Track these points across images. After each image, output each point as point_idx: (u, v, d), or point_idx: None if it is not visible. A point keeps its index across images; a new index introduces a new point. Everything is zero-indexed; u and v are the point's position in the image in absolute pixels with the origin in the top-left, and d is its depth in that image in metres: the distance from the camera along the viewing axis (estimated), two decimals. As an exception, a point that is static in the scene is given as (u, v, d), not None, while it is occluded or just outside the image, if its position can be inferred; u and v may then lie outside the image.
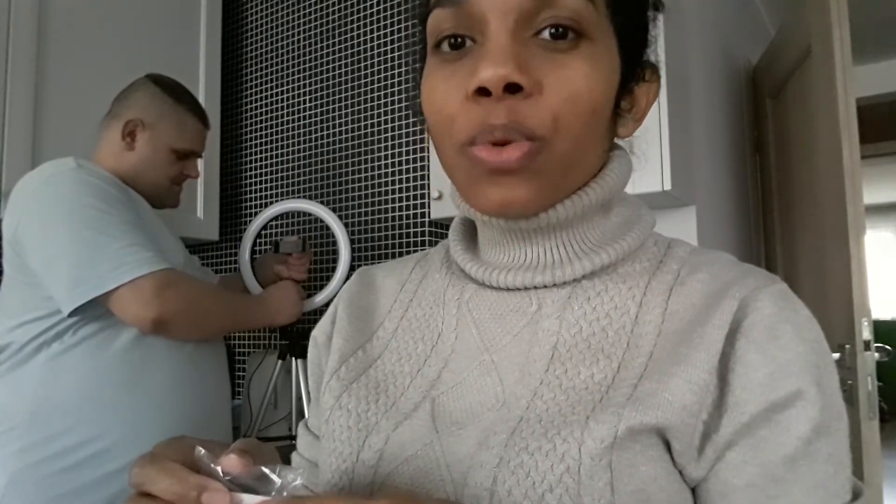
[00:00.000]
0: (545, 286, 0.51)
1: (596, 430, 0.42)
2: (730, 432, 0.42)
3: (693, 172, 1.44)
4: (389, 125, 1.78)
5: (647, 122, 1.25)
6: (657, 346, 0.46)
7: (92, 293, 1.09)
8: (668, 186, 1.17)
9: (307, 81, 1.98)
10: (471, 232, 0.59)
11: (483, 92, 0.43)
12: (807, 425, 0.42)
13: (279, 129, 2.03)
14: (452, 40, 0.46)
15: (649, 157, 1.19)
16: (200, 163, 1.89)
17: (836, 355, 1.62)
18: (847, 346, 1.60)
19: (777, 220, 2.28)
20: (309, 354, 0.65)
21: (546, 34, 0.44)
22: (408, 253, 1.71)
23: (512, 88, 0.42)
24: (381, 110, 1.80)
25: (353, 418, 0.51)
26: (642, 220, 0.54)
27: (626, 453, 0.41)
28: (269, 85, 2.07)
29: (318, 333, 0.64)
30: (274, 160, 2.03)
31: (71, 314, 1.11)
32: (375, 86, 1.82)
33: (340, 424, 0.52)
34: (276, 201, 1.68)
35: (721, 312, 0.45)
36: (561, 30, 0.44)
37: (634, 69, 0.51)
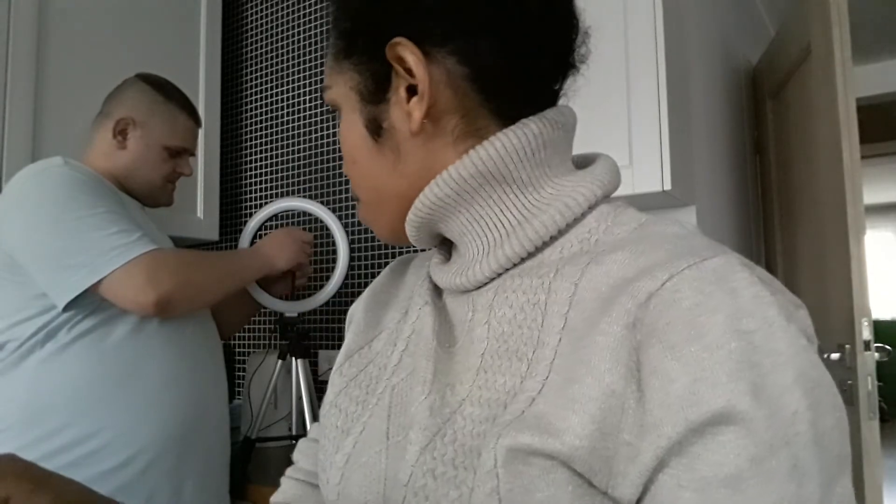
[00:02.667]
0: (468, 290, 0.50)
1: (484, 454, 0.39)
2: (652, 455, 0.36)
3: (693, 172, 1.44)
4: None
5: (647, 122, 1.25)
6: (561, 344, 0.41)
7: (85, 283, 1.09)
8: (667, 186, 1.17)
9: (307, 81, 1.98)
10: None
11: None
12: (751, 445, 0.34)
13: (279, 128, 2.03)
14: None
15: (648, 157, 1.20)
16: (200, 162, 1.90)
17: (836, 355, 1.63)
18: (847, 346, 1.60)
19: (777, 220, 2.28)
20: (346, 329, 0.66)
21: None
22: (405, 252, 1.71)
23: None
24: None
25: (341, 419, 0.53)
26: (563, 201, 0.47)
27: (516, 479, 0.37)
28: (268, 85, 2.07)
29: (355, 309, 0.65)
30: (274, 160, 2.03)
31: (66, 308, 1.10)
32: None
33: (331, 423, 0.54)
34: (276, 201, 1.68)
35: (617, 314, 0.39)
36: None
37: (382, 70, 0.49)
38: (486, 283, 0.49)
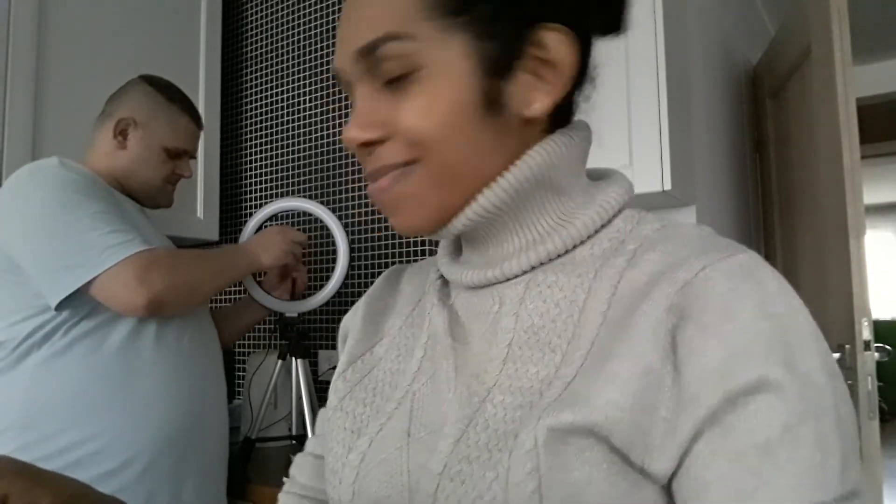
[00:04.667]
0: (499, 282, 0.51)
1: (521, 436, 0.41)
2: (690, 427, 0.38)
3: (693, 172, 1.44)
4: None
5: (647, 122, 1.25)
6: (598, 336, 0.43)
7: (77, 283, 1.09)
8: (668, 186, 1.17)
9: (307, 81, 1.98)
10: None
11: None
12: (782, 412, 0.37)
13: (279, 129, 2.03)
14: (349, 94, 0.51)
15: (648, 157, 1.20)
16: (200, 163, 1.90)
17: (836, 355, 1.63)
18: (847, 346, 1.60)
19: (777, 220, 2.28)
20: (339, 340, 0.67)
21: (386, 80, 0.47)
22: (406, 253, 1.72)
23: (367, 143, 0.48)
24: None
25: (349, 420, 0.53)
26: (598, 201, 0.50)
27: (555, 458, 0.39)
28: (268, 85, 2.07)
29: (348, 321, 0.65)
30: (274, 160, 2.03)
31: (59, 307, 1.10)
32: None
33: (339, 426, 0.54)
34: (275, 201, 1.68)
35: (661, 291, 0.42)
36: (395, 71, 0.46)
37: (512, 57, 0.47)
38: (515, 277, 0.50)
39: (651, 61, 1.19)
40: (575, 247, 0.49)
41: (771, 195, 2.32)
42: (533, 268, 0.50)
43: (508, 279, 0.50)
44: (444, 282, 0.58)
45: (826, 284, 1.77)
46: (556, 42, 0.47)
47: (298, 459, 0.67)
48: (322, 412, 0.66)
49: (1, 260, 1.15)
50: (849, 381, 1.59)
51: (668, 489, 0.40)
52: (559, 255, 0.49)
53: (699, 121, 1.59)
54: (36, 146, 1.52)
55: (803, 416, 0.37)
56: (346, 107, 1.87)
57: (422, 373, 0.52)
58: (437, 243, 0.64)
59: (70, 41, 1.62)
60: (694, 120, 1.49)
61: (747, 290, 0.40)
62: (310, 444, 0.67)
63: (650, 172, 1.19)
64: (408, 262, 1.73)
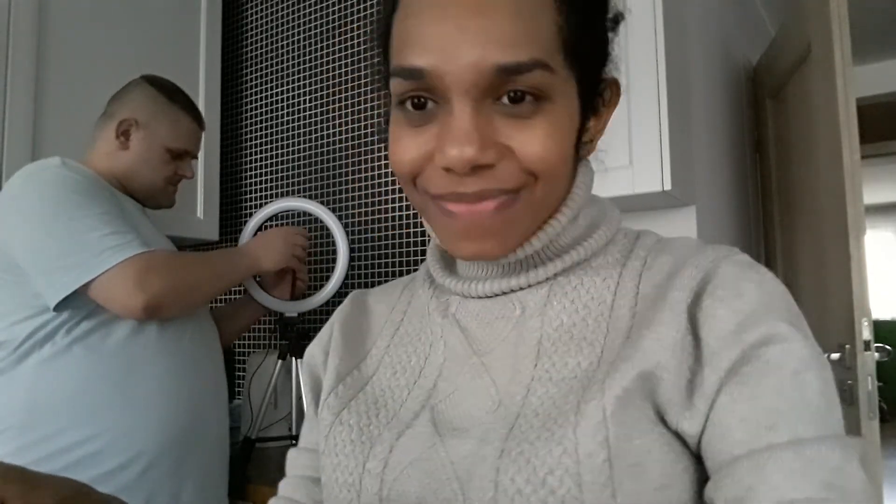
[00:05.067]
0: (522, 288, 0.54)
1: (586, 411, 0.44)
2: (714, 381, 0.43)
3: (693, 172, 1.44)
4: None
5: (647, 122, 1.24)
6: (632, 327, 0.48)
7: (75, 284, 1.09)
8: (668, 186, 1.17)
9: (307, 81, 1.98)
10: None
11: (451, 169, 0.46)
12: (791, 359, 0.43)
13: (279, 129, 2.03)
14: (416, 100, 0.48)
15: (648, 157, 1.20)
16: (200, 162, 1.90)
17: (836, 355, 1.63)
18: (847, 346, 1.60)
19: (777, 220, 2.28)
20: (302, 374, 0.66)
21: (505, 99, 0.46)
22: (406, 254, 1.72)
23: (481, 164, 0.46)
24: (381, 110, 1.80)
25: (355, 432, 0.53)
26: (608, 217, 0.57)
27: (620, 428, 0.43)
28: (268, 85, 2.07)
29: (315, 351, 0.66)
30: (274, 160, 2.03)
31: (57, 308, 1.10)
32: (375, 86, 1.82)
33: (343, 439, 0.53)
34: (275, 201, 1.68)
35: (682, 280, 0.48)
36: (520, 94, 0.46)
37: (595, 96, 0.53)
38: (537, 284, 0.54)
39: (651, 61, 1.19)
40: (590, 257, 0.54)
41: (771, 195, 2.32)
42: (556, 275, 0.53)
43: (531, 286, 0.54)
44: (436, 294, 0.60)
45: (826, 284, 1.76)
46: (613, 87, 0.55)
47: (287, 483, 0.64)
48: (306, 429, 0.65)
49: (1, 259, 1.15)
50: (848, 381, 1.59)
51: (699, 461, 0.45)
52: (575, 264, 0.54)
53: (699, 121, 1.59)
54: (36, 146, 1.52)
55: (808, 364, 0.43)
56: (347, 107, 1.87)
57: (438, 391, 0.53)
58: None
59: (70, 41, 1.62)
60: (694, 120, 1.49)
61: (751, 276, 0.47)
62: (296, 466, 0.64)
63: (650, 172, 1.19)
64: (405, 261, 1.74)
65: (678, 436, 0.44)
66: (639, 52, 1.20)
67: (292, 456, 0.65)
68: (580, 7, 0.49)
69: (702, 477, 0.44)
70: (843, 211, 1.60)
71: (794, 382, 0.42)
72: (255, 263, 1.41)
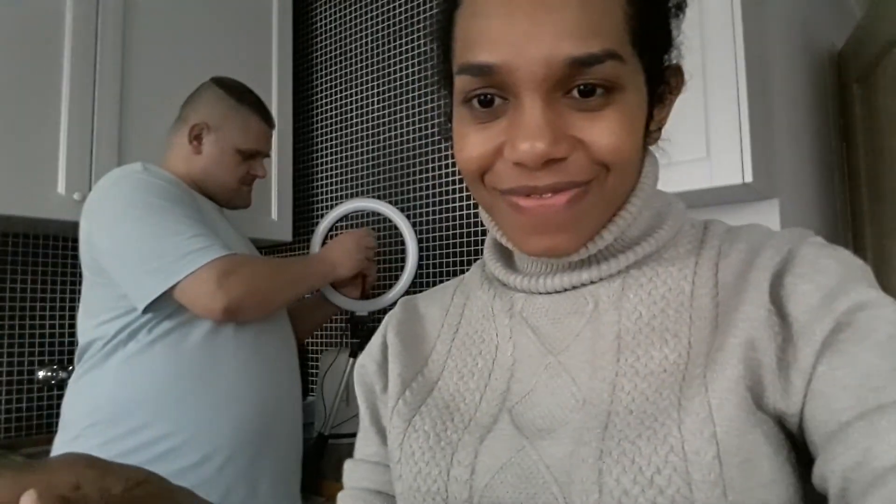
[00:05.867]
0: (593, 282, 0.52)
1: (689, 407, 0.42)
2: (809, 354, 0.42)
3: (775, 163, 1.37)
4: (456, 123, 1.77)
5: (725, 111, 1.19)
6: (718, 316, 0.47)
7: (161, 287, 1.13)
8: (749, 179, 1.11)
9: (376, 83, 2.00)
10: (505, 246, 0.59)
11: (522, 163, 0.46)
12: (884, 323, 0.41)
13: (349, 130, 2.06)
14: (482, 97, 0.47)
15: (727, 148, 1.15)
16: (273, 165, 1.95)
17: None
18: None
19: (867, 213, 2.15)
20: (357, 383, 0.64)
21: (575, 93, 0.45)
22: (473, 252, 1.71)
23: (553, 158, 0.45)
24: (449, 110, 1.79)
25: (432, 439, 0.52)
26: (674, 208, 0.55)
27: (728, 423, 0.42)
28: (338, 87, 2.10)
29: (366, 362, 0.64)
30: (344, 161, 2.06)
31: (146, 310, 1.15)
32: (436, 86, 1.82)
33: (420, 446, 0.52)
34: (346, 202, 1.70)
35: (762, 260, 0.47)
36: (590, 87, 0.45)
37: (661, 84, 0.52)
38: (608, 277, 0.52)
39: (729, 46, 1.13)
40: (661, 249, 0.53)
41: (859, 186, 2.19)
42: (627, 267, 0.52)
43: (602, 279, 0.52)
44: (498, 293, 0.58)
45: (923, 280, 1.65)
46: (677, 73, 0.53)
47: (353, 464, 0.63)
48: (362, 441, 0.63)
49: (90, 263, 1.21)
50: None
51: (799, 449, 0.44)
52: (647, 256, 0.53)
53: (780, 108, 1.51)
54: (122, 151, 1.59)
55: None
56: (415, 108, 1.88)
57: (512, 393, 0.51)
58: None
59: (151, 50, 1.70)
60: (775, 107, 1.42)
61: (828, 253, 0.46)
62: (364, 452, 0.63)
63: (730, 164, 1.13)
64: (473, 260, 1.72)
65: (778, 420, 0.43)
66: (715, 37, 1.15)
67: (349, 468, 0.63)
68: None
69: (802, 468, 0.43)
70: (942, 201, 1.49)
71: (891, 345, 0.40)
72: (331, 270, 1.44)
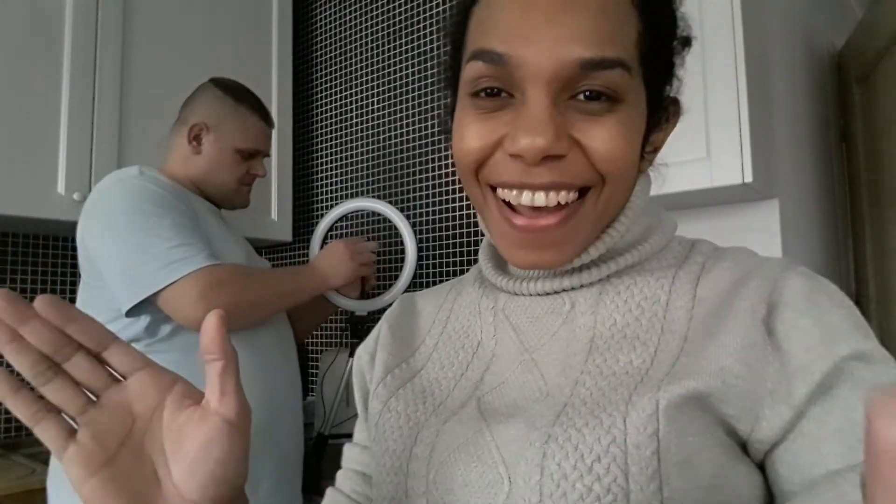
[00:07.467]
0: (574, 288, 0.54)
1: (639, 403, 0.43)
2: (805, 391, 0.42)
3: (775, 163, 1.37)
4: (456, 123, 1.77)
5: (725, 110, 1.19)
6: (691, 329, 0.47)
7: (144, 292, 1.13)
8: (749, 179, 1.11)
9: (376, 83, 2.00)
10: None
11: (521, 156, 0.46)
12: (884, 376, 0.42)
13: (349, 130, 2.06)
14: (489, 90, 0.48)
15: (727, 148, 1.15)
16: (273, 165, 1.95)
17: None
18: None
19: (867, 215, 2.15)
20: (354, 373, 0.68)
21: (581, 97, 0.46)
22: (472, 252, 1.71)
23: (551, 155, 0.46)
24: (451, 106, 1.79)
25: (402, 419, 0.54)
26: (664, 224, 0.56)
27: (672, 424, 0.42)
28: (338, 87, 2.11)
29: (362, 353, 0.67)
30: (344, 161, 2.07)
31: (129, 314, 1.15)
32: (442, 86, 1.82)
33: (391, 426, 0.54)
34: (345, 202, 1.70)
35: (750, 289, 0.47)
36: (595, 92, 0.46)
37: (660, 111, 0.53)
38: (589, 284, 0.53)
39: (729, 46, 1.14)
40: (643, 260, 0.54)
41: (859, 186, 2.19)
42: (609, 276, 0.53)
43: (583, 286, 0.53)
44: (485, 292, 0.60)
45: (923, 280, 1.65)
46: (675, 105, 0.54)
47: (340, 474, 0.67)
48: (357, 426, 0.67)
49: (86, 266, 1.21)
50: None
51: (759, 468, 0.45)
52: (629, 266, 0.54)
53: (780, 108, 1.51)
54: (121, 152, 1.59)
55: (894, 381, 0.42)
56: (415, 108, 1.88)
57: (484, 384, 0.53)
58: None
59: (150, 52, 1.70)
60: (775, 107, 1.42)
61: (819, 287, 0.46)
62: (347, 459, 0.67)
63: (729, 164, 1.13)
64: (472, 261, 1.72)
65: (742, 444, 0.44)
66: (715, 37, 1.15)
67: (346, 449, 0.68)
68: (657, 20, 0.50)
69: (762, 487, 0.44)
70: (942, 201, 1.49)
71: None
72: (323, 282, 1.43)
